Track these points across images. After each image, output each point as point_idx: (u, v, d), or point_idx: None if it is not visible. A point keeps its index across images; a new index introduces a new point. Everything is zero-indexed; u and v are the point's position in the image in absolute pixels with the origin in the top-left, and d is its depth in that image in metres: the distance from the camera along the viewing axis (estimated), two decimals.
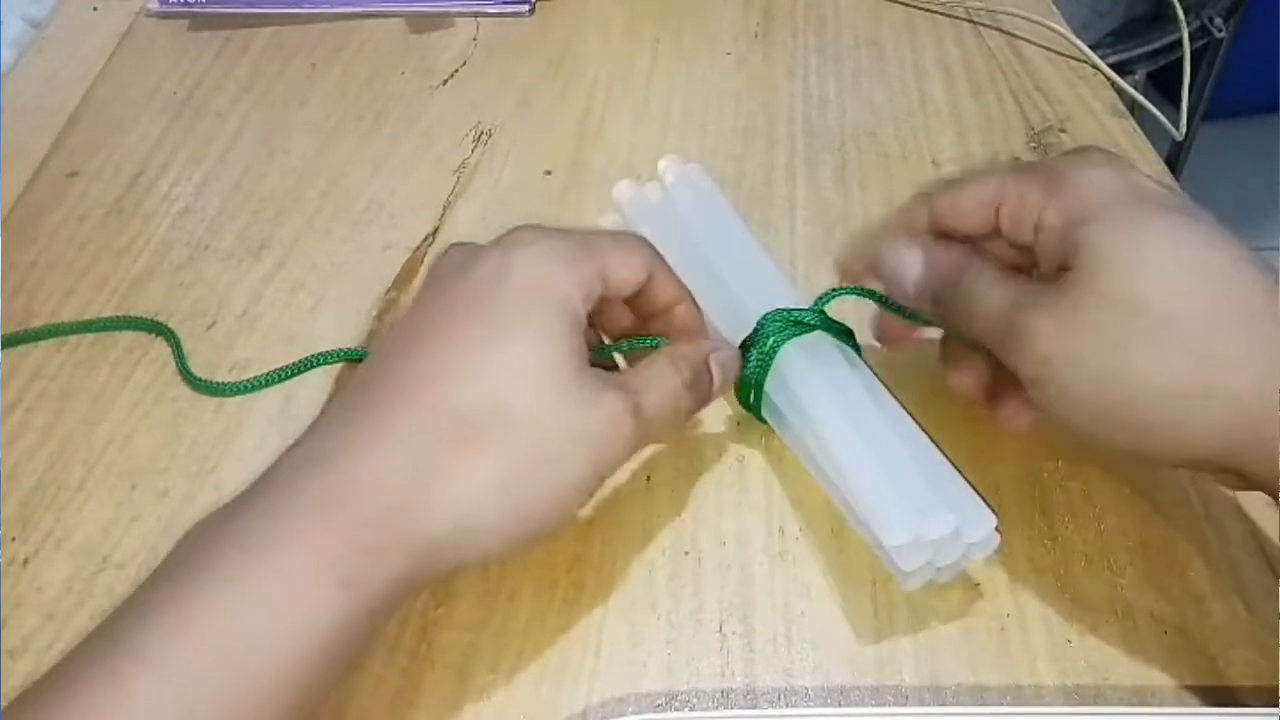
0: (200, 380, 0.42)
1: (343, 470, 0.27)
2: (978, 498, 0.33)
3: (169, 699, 0.24)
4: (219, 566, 0.26)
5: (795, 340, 0.37)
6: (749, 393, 0.37)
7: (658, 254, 0.34)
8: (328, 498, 0.27)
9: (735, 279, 0.40)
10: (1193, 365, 0.28)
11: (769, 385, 0.37)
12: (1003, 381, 0.35)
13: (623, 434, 0.30)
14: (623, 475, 0.38)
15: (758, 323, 0.37)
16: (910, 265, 0.35)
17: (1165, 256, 0.29)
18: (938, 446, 0.35)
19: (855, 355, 0.38)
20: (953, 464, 0.34)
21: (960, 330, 0.35)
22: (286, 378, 0.42)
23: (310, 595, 0.26)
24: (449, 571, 0.29)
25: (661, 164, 0.45)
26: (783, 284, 0.40)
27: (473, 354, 0.29)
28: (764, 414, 0.38)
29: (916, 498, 0.33)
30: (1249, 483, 0.30)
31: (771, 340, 0.37)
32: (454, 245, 0.33)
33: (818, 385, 0.36)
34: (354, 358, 0.43)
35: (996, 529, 0.33)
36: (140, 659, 0.24)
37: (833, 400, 0.36)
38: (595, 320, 0.36)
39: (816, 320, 0.37)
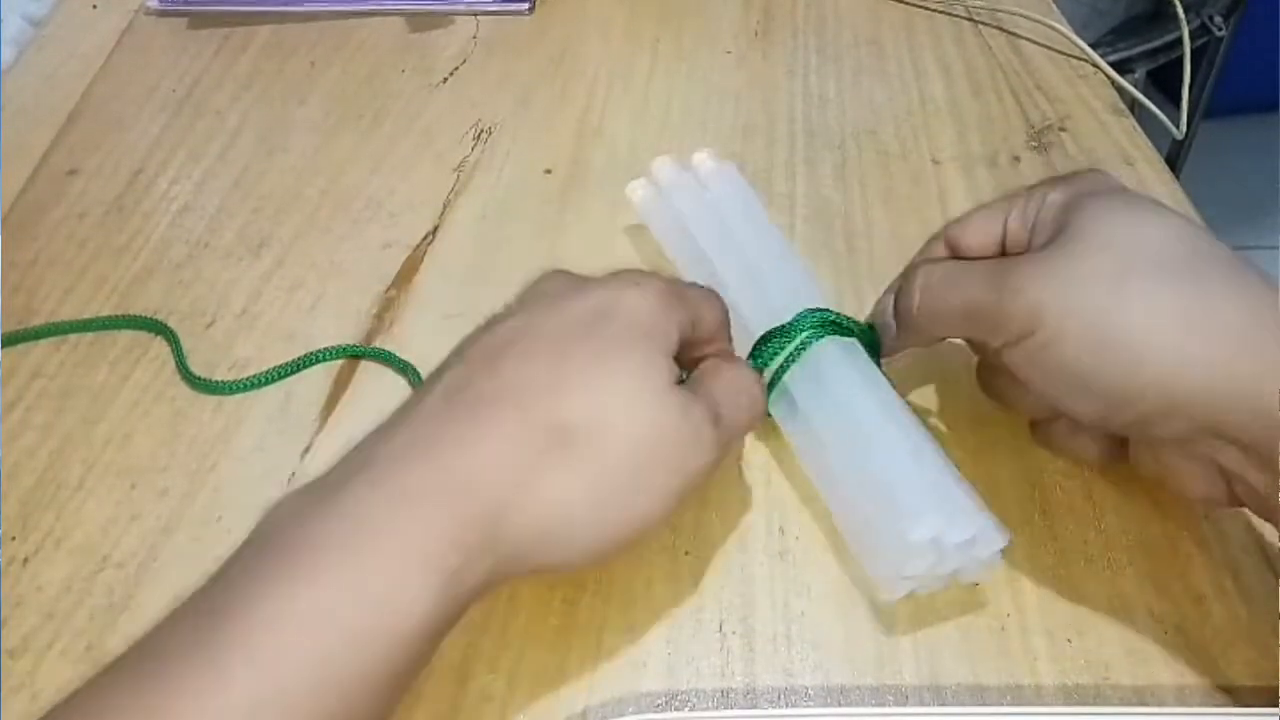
0: (199, 379, 0.42)
1: (443, 465, 0.27)
2: (992, 515, 0.33)
3: (268, 693, 0.24)
4: (320, 554, 0.26)
5: (831, 339, 0.37)
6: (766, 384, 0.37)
7: (727, 312, 0.35)
8: (429, 491, 0.27)
9: (771, 273, 0.40)
10: (1184, 304, 0.30)
11: (790, 377, 0.37)
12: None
13: (705, 441, 0.30)
14: None
15: (795, 317, 0.37)
16: (886, 306, 0.38)
17: (1160, 220, 0.32)
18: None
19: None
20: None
21: (939, 329, 0.36)
22: (286, 375, 0.42)
23: (408, 591, 0.26)
24: (527, 575, 0.29)
25: (698, 155, 0.45)
26: (812, 284, 0.41)
27: (577, 370, 0.29)
28: (770, 408, 0.38)
29: (952, 495, 0.33)
30: (1228, 441, 0.30)
31: (807, 333, 0.37)
32: (556, 270, 0.33)
33: (854, 381, 0.36)
34: (353, 354, 0.43)
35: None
36: (242, 649, 0.24)
37: (872, 397, 0.36)
38: None
39: (854, 327, 0.38)
